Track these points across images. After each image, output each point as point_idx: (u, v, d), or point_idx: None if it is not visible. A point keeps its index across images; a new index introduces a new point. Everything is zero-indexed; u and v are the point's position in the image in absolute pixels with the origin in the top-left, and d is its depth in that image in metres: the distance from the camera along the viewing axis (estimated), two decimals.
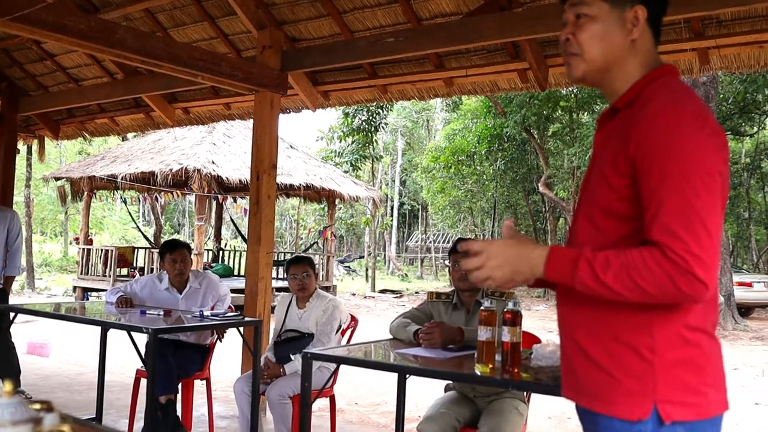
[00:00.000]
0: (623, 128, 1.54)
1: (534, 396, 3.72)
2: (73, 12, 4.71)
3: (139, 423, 4.62)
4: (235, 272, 17.42)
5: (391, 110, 26.35)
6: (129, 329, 4.18)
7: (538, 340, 3.16)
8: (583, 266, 1.47)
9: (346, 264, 35.92)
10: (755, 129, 24.13)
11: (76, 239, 15.66)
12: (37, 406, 1.29)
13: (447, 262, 3.81)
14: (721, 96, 19.71)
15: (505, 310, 2.58)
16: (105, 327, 4.87)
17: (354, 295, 22.66)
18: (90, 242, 15.83)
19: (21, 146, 10.96)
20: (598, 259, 1.46)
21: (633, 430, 1.48)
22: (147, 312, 4.43)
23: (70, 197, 17.66)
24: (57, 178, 17.85)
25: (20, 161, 15.29)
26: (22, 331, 8.68)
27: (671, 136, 1.45)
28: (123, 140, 19.72)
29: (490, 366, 2.59)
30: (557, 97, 19.64)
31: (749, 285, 16.09)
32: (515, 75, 5.63)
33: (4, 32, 6.88)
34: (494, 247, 1.57)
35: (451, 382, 3.68)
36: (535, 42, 5.19)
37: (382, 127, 24.68)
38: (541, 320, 15.28)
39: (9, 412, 1.10)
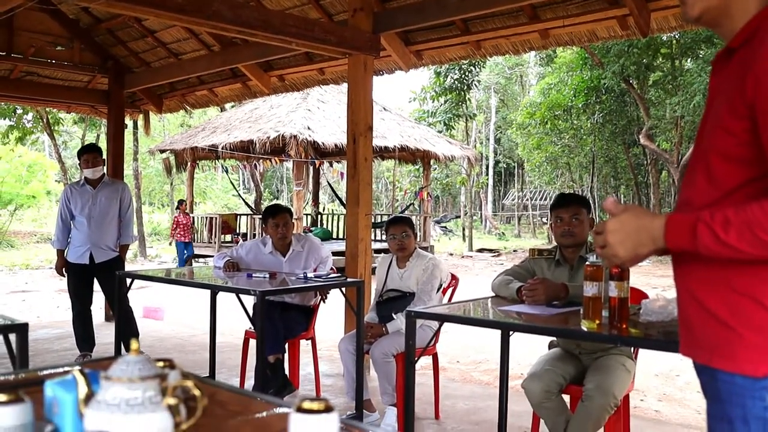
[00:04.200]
0: (740, 69, 1.43)
1: (641, 353, 3.64)
2: None
3: (250, 381, 4.81)
4: (334, 235, 17.75)
5: (483, 67, 25.94)
6: (237, 292, 4.33)
7: (645, 296, 3.08)
8: (702, 230, 1.39)
9: (443, 224, 35.92)
10: None
11: (179, 207, 16.35)
12: (161, 363, 1.36)
13: (545, 219, 3.74)
14: None
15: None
16: (214, 290, 5.06)
17: (451, 255, 22.67)
18: (184, 206, 16.50)
19: (128, 121, 11.49)
20: (717, 219, 1.38)
21: (757, 387, 1.40)
22: (253, 275, 4.57)
23: (174, 168, 18.38)
24: (162, 151, 18.61)
25: (128, 136, 16.04)
26: (138, 297, 9.16)
27: None
28: (221, 111, 20.26)
29: (597, 322, 2.54)
30: (658, 44, 18.81)
31: None
32: (614, 22, 5.42)
33: (107, 12, 7.17)
34: (612, 224, 1.52)
35: (555, 339, 3.65)
36: None
37: (475, 84, 24.36)
38: (645, 276, 14.87)
39: (137, 369, 1.16)
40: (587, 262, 2.57)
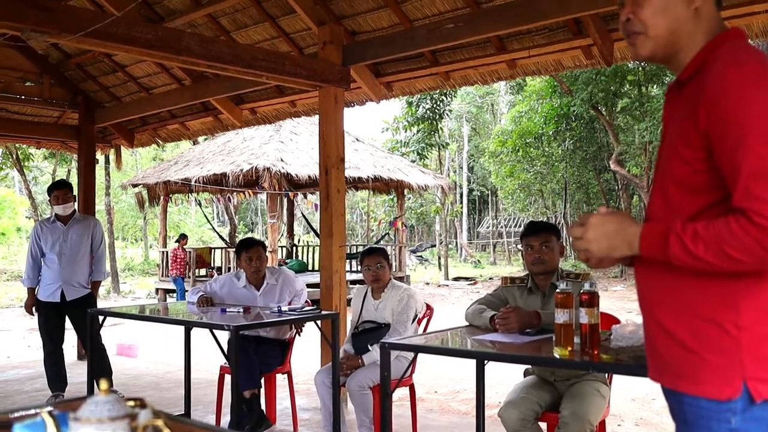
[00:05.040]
0: (691, 100, 1.49)
1: (616, 378, 3.67)
2: (140, 23, 4.86)
3: (226, 417, 4.75)
4: (310, 267, 17.69)
5: (454, 97, 26.19)
6: (211, 327, 4.30)
7: (617, 321, 3.11)
8: (673, 240, 1.45)
9: (419, 253, 35.92)
10: None
11: (179, 241, 16.31)
12: (132, 403, 1.35)
13: (519, 247, 3.78)
14: None
15: (582, 291, 2.55)
16: (188, 326, 5.03)
17: (428, 284, 22.67)
18: (185, 241, 16.45)
19: (99, 156, 11.39)
20: (687, 232, 1.44)
21: (722, 410, 1.44)
22: (227, 310, 4.54)
23: (147, 203, 18.25)
24: (134, 185, 18.48)
25: (99, 170, 15.88)
26: (111, 334, 9.03)
27: (738, 98, 1.40)
28: (194, 144, 20.21)
29: (569, 348, 2.56)
30: (624, 72, 19.15)
31: None
32: (579, 52, 5.52)
33: (77, 48, 7.16)
34: (595, 218, 1.57)
35: (530, 366, 3.66)
36: (598, 17, 5.07)
37: (447, 114, 24.54)
38: (620, 300, 14.97)
39: (107, 409, 1.16)
40: (557, 290, 2.60)
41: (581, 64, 5.70)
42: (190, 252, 16.25)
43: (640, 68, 19.22)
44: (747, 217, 1.36)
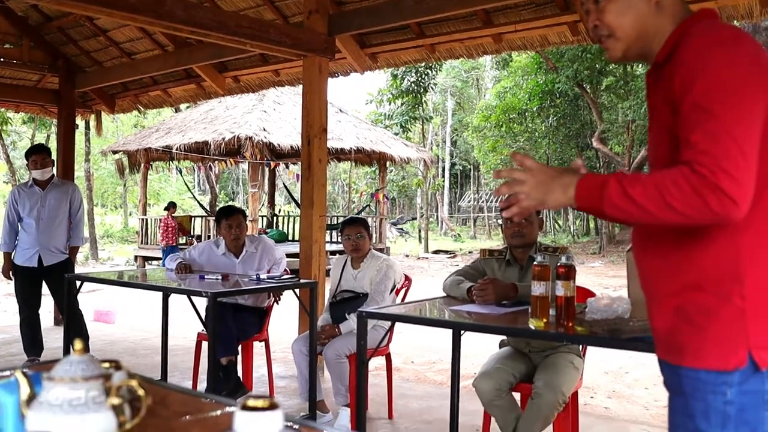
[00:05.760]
0: (669, 77, 1.52)
1: (591, 351, 3.72)
2: None
3: (203, 384, 4.77)
4: (290, 237, 17.68)
5: (440, 70, 26.10)
6: (189, 294, 4.30)
7: (592, 294, 3.14)
8: (612, 184, 1.44)
9: (399, 226, 36.03)
10: None
11: (168, 209, 15.96)
12: (106, 364, 1.35)
13: (500, 221, 3.80)
14: None
15: (559, 264, 2.58)
16: (166, 292, 5.01)
17: (407, 256, 22.76)
18: (173, 210, 16.12)
19: (79, 121, 11.28)
20: (628, 177, 1.45)
21: (718, 382, 1.46)
22: (206, 277, 4.54)
23: (127, 170, 18.10)
24: (114, 152, 18.31)
25: (79, 136, 15.75)
26: (88, 300, 9.00)
27: (702, 63, 1.43)
28: (176, 111, 20.02)
29: (544, 320, 2.59)
30: None
31: None
32: (566, 28, 5.52)
33: (58, 10, 7.04)
34: (541, 167, 1.57)
35: (505, 338, 3.70)
36: None
37: (432, 87, 24.51)
38: (597, 276, 15.14)
39: (81, 369, 1.16)
40: (535, 262, 2.63)
41: (567, 41, 5.69)
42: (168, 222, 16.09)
43: None
44: (690, 167, 1.37)
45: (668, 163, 1.51)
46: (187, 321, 6.09)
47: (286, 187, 21.73)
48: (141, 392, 1.26)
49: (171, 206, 16.13)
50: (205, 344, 4.60)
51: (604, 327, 2.41)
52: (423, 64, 16.27)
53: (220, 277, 4.48)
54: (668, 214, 1.40)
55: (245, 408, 1.11)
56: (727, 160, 1.35)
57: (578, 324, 2.53)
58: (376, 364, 5.51)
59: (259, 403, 1.12)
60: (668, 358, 1.58)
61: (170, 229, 15.49)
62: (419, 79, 22.46)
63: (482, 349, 4.82)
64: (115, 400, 1.21)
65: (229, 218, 4.91)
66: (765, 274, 1.46)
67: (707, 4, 4.67)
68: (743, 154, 1.36)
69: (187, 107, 18.21)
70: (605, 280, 14.36)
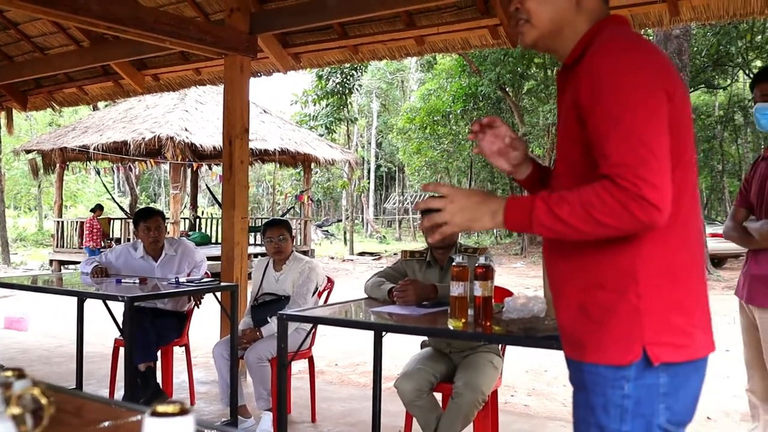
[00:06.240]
0: (576, 81, 1.56)
1: (510, 350, 3.79)
2: None
3: (120, 392, 4.64)
4: (213, 240, 17.38)
5: (365, 72, 26.18)
6: (104, 298, 4.16)
7: (510, 294, 3.20)
8: (539, 205, 1.48)
9: (324, 228, 35.94)
10: (728, 82, 24.29)
11: (94, 211, 15.63)
12: (9, 373, 1.29)
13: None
14: (695, 49, 19.79)
15: (477, 264, 2.61)
16: (81, 297, 4.85)
17: (332, 258, 22.72)
18: (99, 212, 15.79)
19: None
20: (553, 197, 1.48)
21: (617, 377, 1.51)
22: (123, 281, 4.41)
23: (42, 170, 17.44)
24: (28, 151, 17.61)
25: None
26: (0, 307, 8.63)
27: (605, 71, 1.47)
28: (94, 110, 19.41)
29: (463, 320, 2.62)
30: (532, 54, 19.61)
31: (722, 236, 16.24)
32: (486, 31, 5.61)
33: None
34: (459, 193, 1.59)
35: (426, 338, 3.73)
36: None
37: (357, 89, 24.51)
38: (519, 277, 15.45)
39: None
40: (453, 263, 2.65)
41: (488, 44, 5.79)
42: (93, 223, 15.67)
43: None
44: (612, 181, 1.41)
45: (577, 169, 1.56)
46: (105, 327, 5.91)
47: (209, 188, 21.38)
48: (44, 401, 1.21)
49: (97, 208, 15.92)
50: (122, 350, 4.47)
51: (520, 326, 2.45)
52: (348, 65, 16.29)
53: (137, 281, 4.36)
54: (597, 229, 1.44)
55: (155, 414, 1.08)
56: (643, 166, 1.39)
57: (496, 323, 2.57)
58: (300, 367, 5.47)
59: (170, 408, 1.08)
60: (572, 354, 1.63)
61: (95, 231, 15.20)
62: (344, 80, 22.44)
63: (405, 350, 4.85)
64: (16, 410, 1.16)
65: (147, 220, 4.79)
66: (659, 273, 1.52)
67: (620, 11, 4.83)
68: (657, 158, 1.41)
69: (106, 106, 17.68)
70: (526, 281, 14.67)
